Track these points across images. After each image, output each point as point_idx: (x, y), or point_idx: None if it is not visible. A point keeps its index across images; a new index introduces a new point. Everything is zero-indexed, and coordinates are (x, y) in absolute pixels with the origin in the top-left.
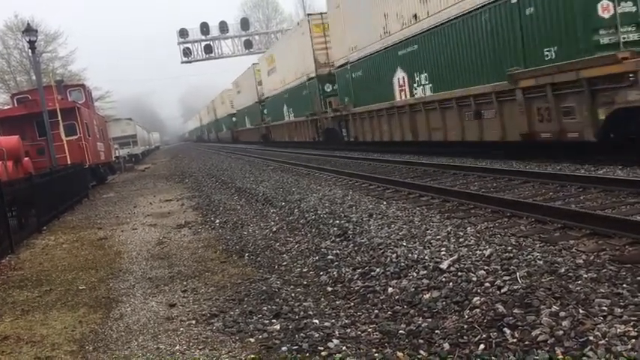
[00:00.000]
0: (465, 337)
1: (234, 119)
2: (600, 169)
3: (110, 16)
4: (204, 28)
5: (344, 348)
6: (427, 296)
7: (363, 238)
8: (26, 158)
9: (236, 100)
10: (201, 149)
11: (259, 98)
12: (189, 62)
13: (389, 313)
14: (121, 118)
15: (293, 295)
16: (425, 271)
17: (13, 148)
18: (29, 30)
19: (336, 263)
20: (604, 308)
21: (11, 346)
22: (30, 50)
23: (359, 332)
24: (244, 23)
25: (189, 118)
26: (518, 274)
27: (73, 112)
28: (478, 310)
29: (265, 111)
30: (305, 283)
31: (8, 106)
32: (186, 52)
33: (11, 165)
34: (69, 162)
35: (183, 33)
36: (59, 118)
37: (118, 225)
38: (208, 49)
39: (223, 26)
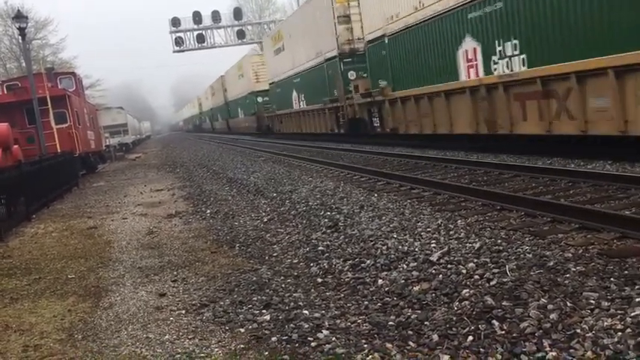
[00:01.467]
0: (453, 329)
1: (260, 99)
2: (590, 164)
3: (102, 4)
4: (197, 17)
5: (333, 339)
6: (417, 288)
7: (353, 230)
8: (15, 146)
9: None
10: (192, 139)
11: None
12: (182, 51)
13: (379, 304)
14: (112, 106)
15: (283, 285)
16: (415, 263)
17: (2, 135)
18: (19, 16)
19: (327, 254)
20: (592, 301)
21: None
22: (20, 37)
23: (349, 323)
24: (237, 13)
25: (182, 107)
26: (507, 267)
27: (63, 100)
28: (467, 302)
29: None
30: (295, 274)
31: None
32: (179, 42)
33: (0, 153)
34: (59, 150)
35: (175, 22)
36: (49, 105)
37: (108, 214)
38: (201, 39)
39: (216, 16)
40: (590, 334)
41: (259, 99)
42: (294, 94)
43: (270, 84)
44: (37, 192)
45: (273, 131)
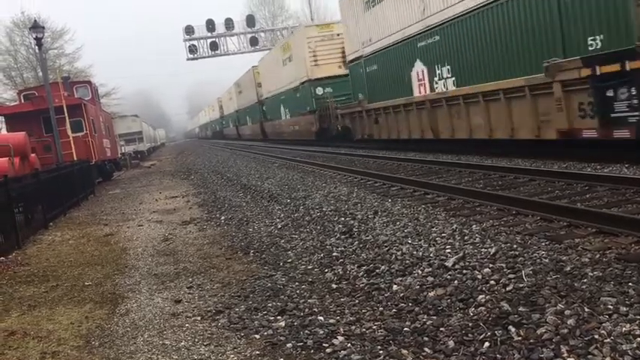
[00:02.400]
0: (469, 335)
1: (321, 90)
2: (606, 168)
3: (117, 13)
4: (210, 25)
5: (349, 345)
6: (432, 294)
7: (368, 236)
8: (33, 154)
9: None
10: (207, 146)
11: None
12: (195, 59)
13: (394, 310)
14: (127, 114)
15: (298, 291)
16: (430, 269)
17: (19, 144)
18: (36, 27)
19: (341, 260)
20: (609, 307)
21: (18, 341)
22: (37, 47)
23: (364, 329)
24: (250, 20)
25: (196, 113)
26: (523, 272)
27: (79, 109)
28: (483, 307)
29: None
30: (310, 280)
31: (15, 103)
32: (192, 49)
33: (18, 161)
34: (75, 158)
35: (189, 30)
36: (66, 114)
37: (124, 221)
38: (214, 46)
39: (229, 23)
40: (608, 340)
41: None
42: (282, 108)
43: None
44: (54, 200)
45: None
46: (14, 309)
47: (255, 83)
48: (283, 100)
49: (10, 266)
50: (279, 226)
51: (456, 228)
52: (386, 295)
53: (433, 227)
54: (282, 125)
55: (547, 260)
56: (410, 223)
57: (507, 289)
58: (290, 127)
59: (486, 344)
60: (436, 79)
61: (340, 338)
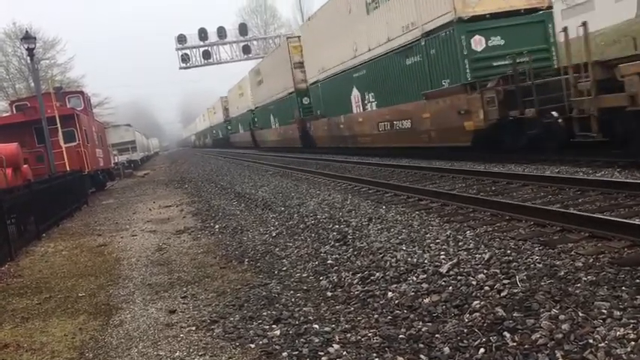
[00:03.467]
0: (465, 341)
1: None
2: (599, 172)
3: (108, 23)
4: (203, 33)
5: (344, 353)
6: (427, 300)
7: (362, 243)
8: (25, 165)
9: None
10: (200, 155)
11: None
12: (188, 68)
13: (389, 317)
14: (120, 124)
15: (293, 300)
16: (424, 275)
17: (12, 155)
18: (28, 37)
19: (336, 268)
20: (603, 311)
21: (11, 353)
22: (29, 57)
23: (359, 337)
24: (242, 29)
25: (192, 120)
26: (517, 277)
27: (71, 119)
28: (478, 313)
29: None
30: (305, 288)
31: (7, 114)
32: (185, 58)
33: (10, 172)
34: (68, 169)
35: (181, 39)
36: (58, 124)
37: (118, 231)
38: (207, 55)
39: (221, 32)
40: (603, 344)
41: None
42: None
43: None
44: (46, 211)
45: None
46: (7, 321)
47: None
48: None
49: (3, 278)
50: (274, 235)
51: (450, 234)
52: (381, 302)
53: (427, 233)
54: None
55: (541, 265)
56: (404, 230)
57: (502, 294)
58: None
59: (481, 350)
60: (366, 101)
61: (336, 346)
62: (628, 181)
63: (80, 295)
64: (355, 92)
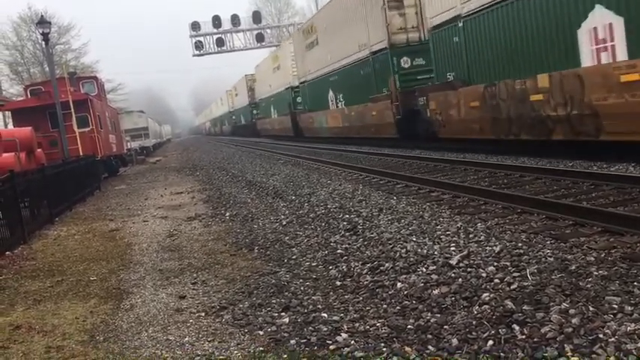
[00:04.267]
0: (473, 333)
1: None
2: (613, 167)
3: (123, 9)
4: (217, 21)
5: (352, 342)
6: (436, 292)
7: (372, 233)
8: (39, 150)
9: None
10: (212, 142)
11: None
12: (201, 55)
13: (398, 308)
14: (133, 110)
15: (302, 288)
16: (434, 267)
17: (26, 139)
18: (43, 22)
19: (346, 257)
20: (614, 306)
21: (23, 335)
22: (43, 42)
23: (367, 327)
24: (256, 16)
25: (205, 107)
26: (528, 270)
27: (85, 104)
28: (487, 306)
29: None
30: (314, 277)
31: (22, 98)
32: (198, 45)
33: (24, 156)
34: (81, 154)
35: (195, 26)
36: (72, 109)
37: (129, 217)
38: (220, 43)
39: (235, 19)
40: (612, 339)
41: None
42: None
43: None
44: (59, 195)
45: None
46: (19, 303)
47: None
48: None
49: (16, 261)
50: (284, 223)
51: (461, 226)
52: (390, 292)
53: (438, 225)
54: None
55: (552, 259)
56: (414, 221)
57: (512, 287)
58: None
59: (490, 342)
60: (337, 100)
61: (344, 335)
62: None
63: (92, 278)
64: (331, 93)
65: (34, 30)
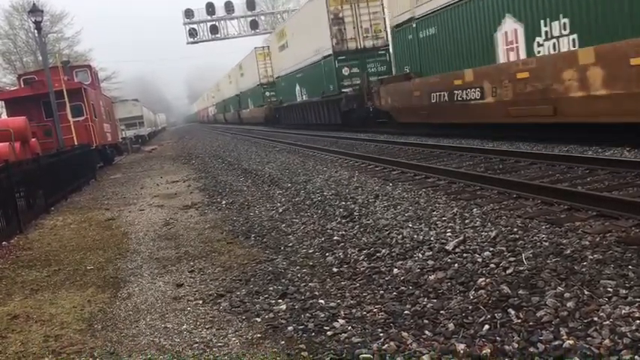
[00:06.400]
0: (469, 318)
1: None
2: (607, 151)
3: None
4: (210, 8)
5: (349, 328)
6: (432, 277)
7: (368, 220)
8: (33, 139)
9: None
10: (207, 130)
11: None
12: (195, 43)
13: (394, 293)
14: (128, 99)
15: (299, 275)
16: (430, 253)
17: (20, 129)
18: (35, 10)
19: (342, 244)
20: (609, 290)
21: (21, 324)
22: (36, 31)
23: (364, 312)
24: (250, 3)
25: (198, 97)
26: (523, 255)
27: (79, 93)
28: (483, 291)
29: None
30: (311, 263)
31: (15, 87)
32: (192, 33)
33: (19, 146)
34: (76, 143)
35: (188, 13)
36: (66, 99)
37: (126, 206)
38: (214, 30)
39: (229, 6)
40: (607, 323)
41: None
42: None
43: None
44: (55, 184)
45: None
46: (17, 293)
47: None
48: None
49: (13, 250)
50: (280, 211)
51: (457, 212)
52: (386, 278)
53: (434, 211)
54: None
55: (547, 243)
56: (410, 207)
57: (507, 272)
58: None
59: (486, 327)
60: (302, 93)
61: (341, 321)
62: (637, 160)
63: (89, 268)
64: (298, 87)
65: (26, 18)
